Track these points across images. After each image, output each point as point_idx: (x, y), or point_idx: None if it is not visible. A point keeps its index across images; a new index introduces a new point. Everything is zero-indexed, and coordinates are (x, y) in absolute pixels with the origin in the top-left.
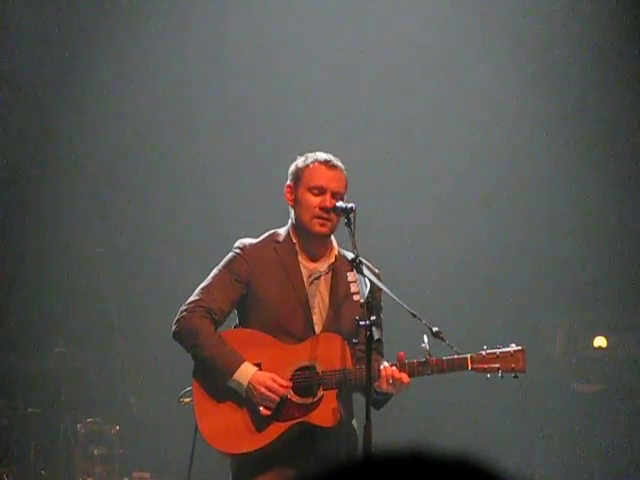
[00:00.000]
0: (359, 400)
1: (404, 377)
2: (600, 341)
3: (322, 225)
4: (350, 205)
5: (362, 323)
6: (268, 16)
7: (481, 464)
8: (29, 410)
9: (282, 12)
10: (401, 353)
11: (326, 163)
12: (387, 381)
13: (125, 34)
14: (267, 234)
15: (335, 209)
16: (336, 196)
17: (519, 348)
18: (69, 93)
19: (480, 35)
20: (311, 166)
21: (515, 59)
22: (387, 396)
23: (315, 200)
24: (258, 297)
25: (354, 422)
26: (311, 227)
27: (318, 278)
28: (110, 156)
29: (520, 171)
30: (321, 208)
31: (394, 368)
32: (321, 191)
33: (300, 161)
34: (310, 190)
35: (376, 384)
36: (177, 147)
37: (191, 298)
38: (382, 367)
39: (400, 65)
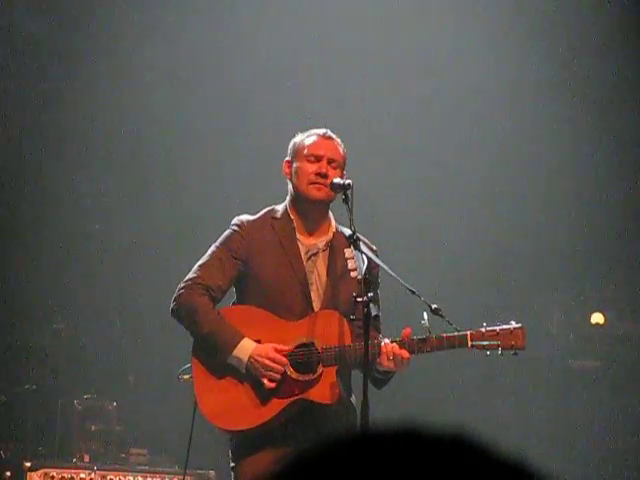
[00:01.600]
0: (358, 377)
1: (404, 353)
2: (597, 317)
3: (318, 189)
4: (347, 181)
5: (359, 299)
6: (268, 15)
7: (476, 440)
8: (26, 387)
9: (282, 10)
10: (407, 329)
11: (323, 134)
12: (387, 357)
13: (126, 32)
14: (264, 210)
15: (332, 185)
16: (332, 163)
17: (519, 325)
18: (70, 89)
19: (483, 32)
20: (307, 139)
21: (516, 56)
22: (388, 374)
23: (311, 167)
24: (256, 273)
25: (353, 398)
26: (307, 192)
27: (316, 254)
28: (108, 140)
29: (516, 155)
30: (317, 174)
31: (394, 344)
32: (317, 158)
33: (298, 137)
34: (306, 158)
35: (377, 361)
36: (176, 136)
37: (188, 275)
38: (382, 344)
39: (402, 61)
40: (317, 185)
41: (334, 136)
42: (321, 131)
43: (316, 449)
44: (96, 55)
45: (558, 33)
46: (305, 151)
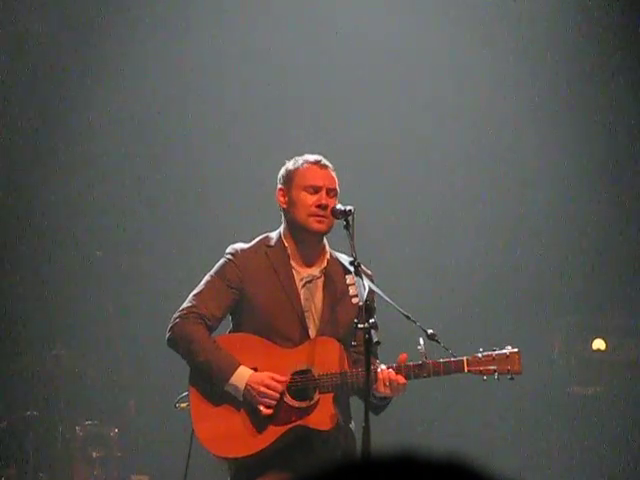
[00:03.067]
0: (358, 403)
1: (400, 379)
2: (599, 344)
3: (319, 222)
4: (349, 207)
5: (361, 326)
6: (267, 18)
7: (471, 466)
8: (27, 413)
9: (280, 14)
10: (403, 355)
11: (317, 163)
12: (384, 384)
13: (126, 34)
14: (258, 239)
15: (334, 211)
16: (330, 193)
17: (515, 350)
18: (70, 93)
19: (481, 36)
20: (303, 167)
21: (514, 59)
22: (385, 400)
23: (311, 198)
24: (251, 302)
25: (352, 425)
26: (308, 225)
27: (311, 282)
28: (108, 159)
29: (519, 173)
30: (317, 206)
31: (390, 370)
32: (316, 189)
33: (290, 164)
34: (305, 189)
35: (374, 387)
36: (174, 151)
37: (184, 305)
38: (379, 370)
39: (399, 66)
40: (318, 218)
41: (328, 164)
42: (313, 158)
43: (314, 476)
44: (96, 57)
45: (565, 39)
46: (303, 183)
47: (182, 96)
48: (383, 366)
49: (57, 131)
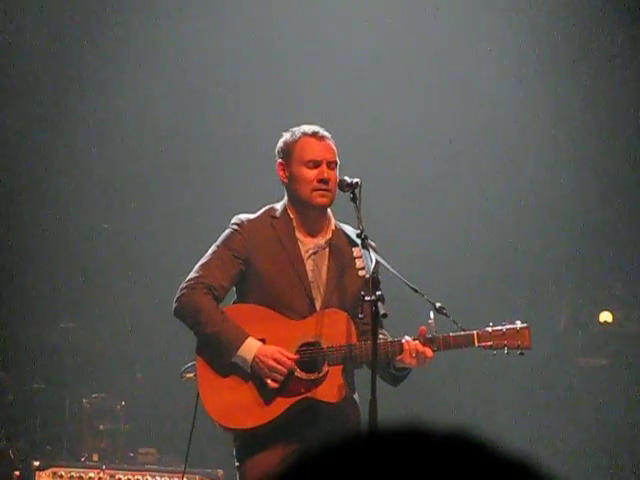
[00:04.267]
0: (364, 376)
1: (427, 351)
2: (606, 316)
3: (322, 196)
4: (355, 180)
5: (367, 298)
6: (270, 17)
7: (479, 438)
8: (34, 385)
9: (284, 12)
10: (423, 328)
11: (315, 135)
12: (410, 354)
13: (125, 34)
14: (264, 209)
15: (340, 184)
16: (331, 165)
17: (524, 325)
18: (76, 88)
19: (485, 34)
20: (301, 140)
21: (518, 56)
22: (406, 371)
23: (312, 173)
24: (257, 273)
25: (356, 396)
26: (311, 200)
27: (316, 253)
28: (116, 141)
29: (523, 155)
30: (319, 180)
31: (417, 342)
32: (316, 164)
33: (287, 136)
34: (305, 164)
35: (398, 358)
36: (179, 134)
37: (190, 275)
38: (404, 341)
39: (404, 61)
40: (321, 192)
41: (326, 134)
42: (310, 130)
43: (320, 448)
44: (101, 56)
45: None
46: (303, 157)
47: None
48: (407, 337)
49: (64, 121)
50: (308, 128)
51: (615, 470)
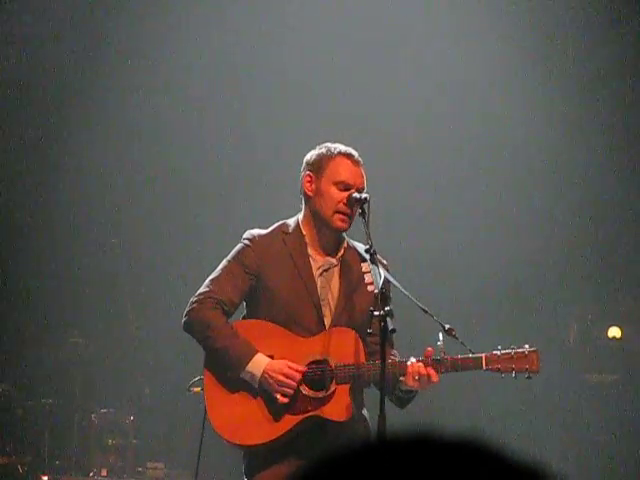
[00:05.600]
0: (374, 395)
1: (432, 373)
2: (614, 331)
3: (343, 221)
4: (364, 196)
5: (376, 313)
6: (275, 18)
7: (489, 445)
8: (43, 400)
9: (290, 13)
10: (430, 350)
11: (351, 157)
12: (413, 377)
13: (127, 40)
14: (276, 225)
15: (350, 200)
16: (360, 192)
17: (533, 349)
18: (85, 100)
19: (491, 33)
20: (336, 159)
21: (522, 56)
22: (412, 394)
23: (340, 195)
24: (267, 289)
25: (364, 412)
26: (332, 221)
27: (327, 270)
28: (122, 146)
29: (533, 163)
30: (345, 204)
31: (420, 364)
32: (346, 187)
33: (322, 151)
34: (336, 184)
35: (401, 380)
36: (188, 141)
37: (201, 290)
38: (409, 363)
39: (412, 61)
40: (343, 216)
41: (361, 161)
42: (347, 151)
43: (332, 457)
44: (112, 67)
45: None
46: (335, 177)
47: (199, 96)
48: (413, 359)
49: (68, 127)
50: (345, 149)
51: None
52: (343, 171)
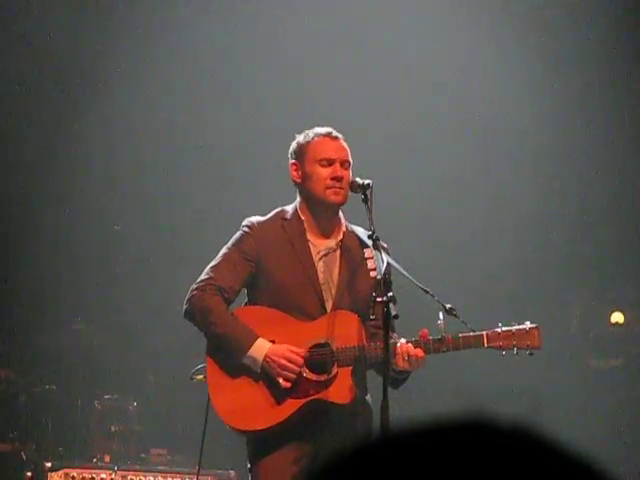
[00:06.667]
0: (376, 378)
1: (419, 353)
2: (617, 317)
3: (336, 194)
4: (367, 181)
5: (379, 299)
6: (279, 19)
7: (540, 430)
8: (46, 387)
9: (290, 13)
10: (424, 330)
11: (328, 135)
12: (402, 358)
13: (128, 40)
14: (274, 212)
15: (352, 185)
16: (344, 164)
17: (534, 325)
18: (88, 92)
19: (496, 33)
20: (314, 140)
21: (527, 56)
22: (404, 374)
23: (325, 171)
24: (267, 275)
25: (368, 397)
26: (325, 198)
27: (327, 255)
28: (129, 144)
29: (539, 150)
30: (332, 178)
31: (409, 345)
32: (330, 162)
33: (301, 138)
34: (319, 162)
35: (392, 361)
36: (187, 129)
37: (201, 277)
38: (398, 344)
39: (419, 61)
40: (335, 189)
41: (339, 135)
42: (324, 130)
43: (358, 447)
44: (115, 60)
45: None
46: (316, 156)
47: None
48: (403, 340)
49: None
50: (321, 129)
51: (628, 469)
52: (323, 148)
